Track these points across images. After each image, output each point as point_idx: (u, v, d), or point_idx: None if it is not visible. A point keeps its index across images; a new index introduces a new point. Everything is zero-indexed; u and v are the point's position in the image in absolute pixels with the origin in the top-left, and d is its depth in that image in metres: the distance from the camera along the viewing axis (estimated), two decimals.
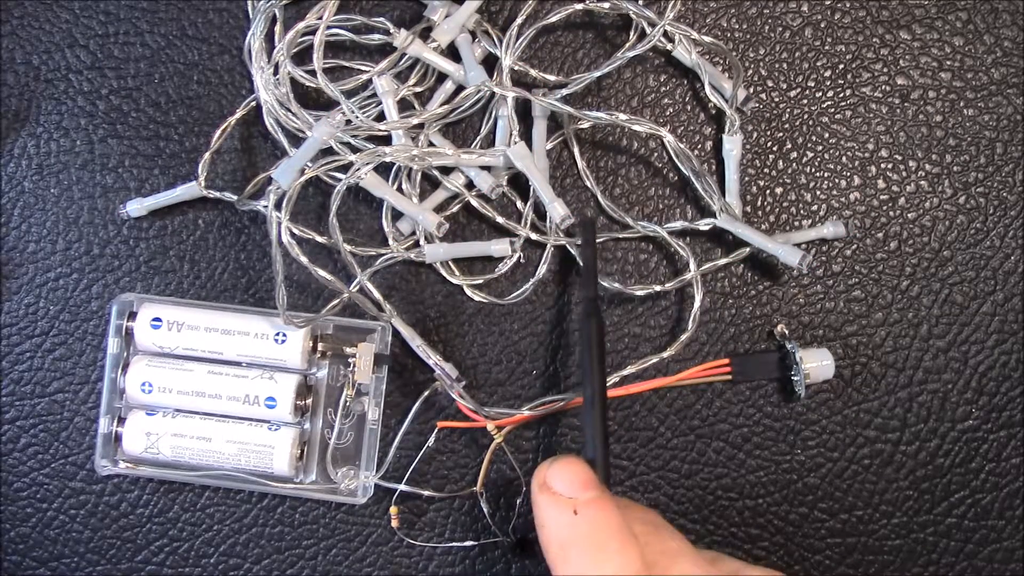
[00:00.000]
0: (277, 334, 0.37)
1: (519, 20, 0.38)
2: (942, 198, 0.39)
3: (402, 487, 0.37)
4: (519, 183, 0.39)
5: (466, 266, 0.39)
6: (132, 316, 0.38)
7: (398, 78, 0.39)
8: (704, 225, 0.38)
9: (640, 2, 0.38)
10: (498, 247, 0.38)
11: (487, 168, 0.38)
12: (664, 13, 0.37)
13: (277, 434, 0.37)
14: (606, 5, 0.38)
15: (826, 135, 0.39)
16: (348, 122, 0.38)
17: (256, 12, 0.39)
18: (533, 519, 0.30)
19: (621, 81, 0.39)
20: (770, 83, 0.39)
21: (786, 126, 0.39)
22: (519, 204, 0.39)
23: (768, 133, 0.39)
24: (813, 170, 0.39)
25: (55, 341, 0.39)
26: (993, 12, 0.39)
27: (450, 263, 0.39)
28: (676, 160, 0.39)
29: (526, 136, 0.38)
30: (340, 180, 0.37)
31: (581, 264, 0.37)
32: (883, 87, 0.39)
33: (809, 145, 0.39)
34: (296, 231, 0.38)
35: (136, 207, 0.39)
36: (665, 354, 0.37)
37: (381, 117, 0.38)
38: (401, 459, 0.38)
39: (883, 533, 0.38)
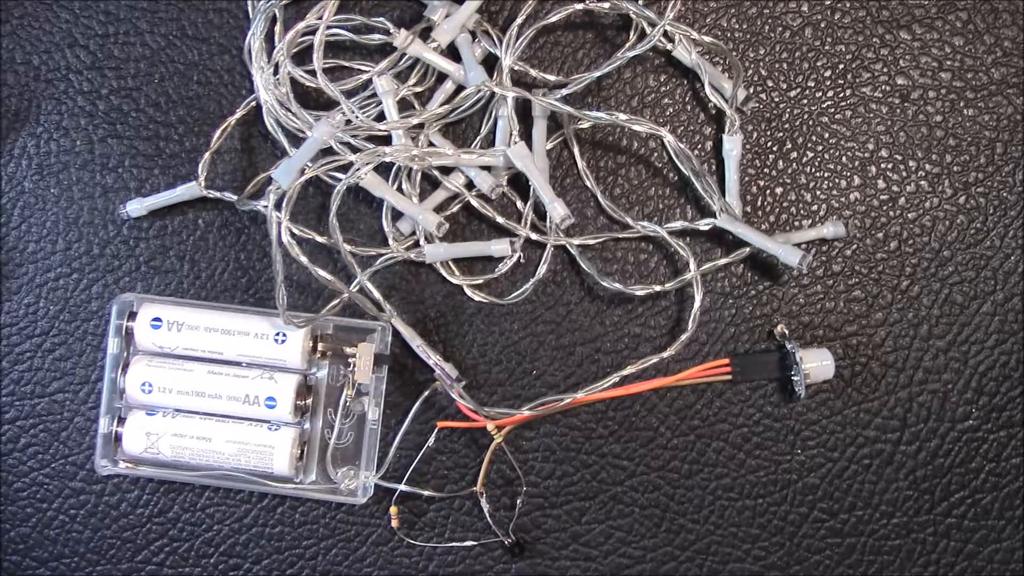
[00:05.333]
0: (277, 334, 0.37)
1: (519, 20, 0.38)
2: (942, 198, 0.39)
3: (402, 487, 0.37)
4: (519, 183, 0.39)
5: (466, 266, 0.39)
6: (132, 316, 0.38)
7: (398, 78, 0.39)
8: (704, 225, 0.38)
9: (640, 2, 0.38)
10: (498, 247, 0.38)
11: (487, 168, 0.38)
12: (664, 13, 0.37)
13: (277, 434, 0.37)
14: (606, 5, 0.38)
15: (826, 135, 0.39)
16: (348, 122, 0.38)
17: (256, 12, 0.39)
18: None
19: (621, 81, 0.39)
20: (770, 83, 0.39)
21: (786, 126, 0.39)
22: (519, 204, 0.39)
23: (768, 133, 0.39)
24: (813, 170, 0.39)
25: (55, 341, 0.39)
26: (993, 12, 0.39)
27: (450, 263, 0.39)
28: (676, 160, 0.39)
29: (526, 136, 0.38)
30: (340, 180, 0.37)
31: None
32: (883, 87, 0.39)
33: (809, 145, 0.39)
34: (296, 231, 0.38)
35: (136, 207, 0.39)
36: (665, 354, 0.37)
37: (381, 117, 0.38)
38: (401, 459, 0.38)
39: (883, 533, 0.38)
